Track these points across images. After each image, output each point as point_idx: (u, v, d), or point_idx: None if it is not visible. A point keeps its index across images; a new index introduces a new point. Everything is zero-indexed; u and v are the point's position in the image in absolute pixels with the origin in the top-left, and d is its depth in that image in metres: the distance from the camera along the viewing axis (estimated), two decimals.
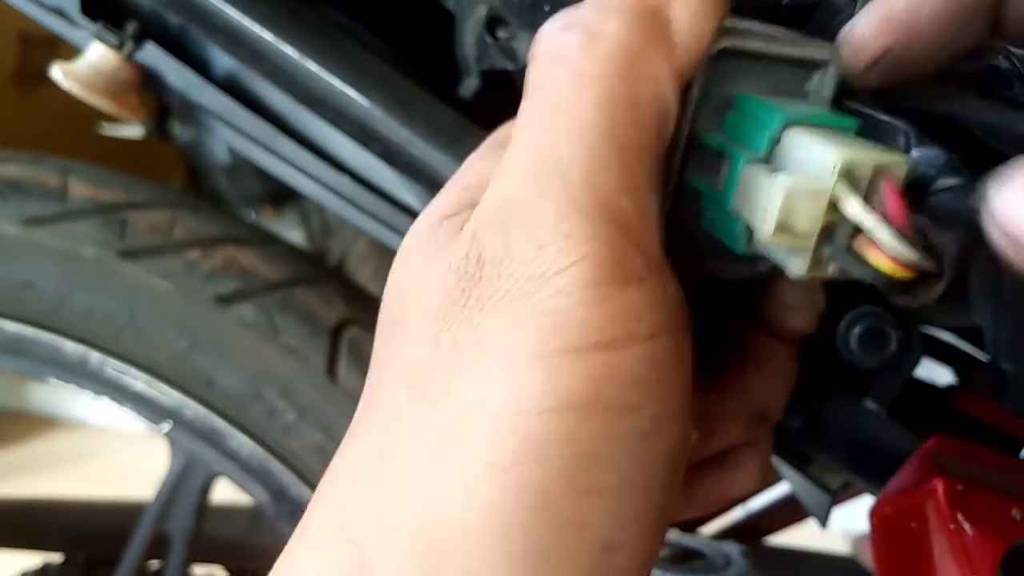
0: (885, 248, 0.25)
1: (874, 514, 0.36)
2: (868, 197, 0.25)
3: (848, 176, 0.25)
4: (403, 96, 0.48)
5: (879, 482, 0.39)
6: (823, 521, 0.50)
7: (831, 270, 0.26)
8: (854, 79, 0.28)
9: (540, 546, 0.23)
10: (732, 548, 0.54)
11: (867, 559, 0.68)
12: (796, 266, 0.26)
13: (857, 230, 0.25)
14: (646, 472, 0.25)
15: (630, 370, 0.24)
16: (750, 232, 0.28)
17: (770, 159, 0.27)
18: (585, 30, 0.26)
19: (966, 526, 0.33)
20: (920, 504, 0.34)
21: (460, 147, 0.47)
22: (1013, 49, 0.30)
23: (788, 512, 0.77)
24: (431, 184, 0.49)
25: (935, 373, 0.50)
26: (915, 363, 0.41)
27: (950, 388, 0.50)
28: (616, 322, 0.24)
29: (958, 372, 0.52)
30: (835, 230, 0.26)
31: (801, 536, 0.81)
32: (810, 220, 0.25)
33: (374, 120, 0.48)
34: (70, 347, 0.60)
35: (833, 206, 0.25)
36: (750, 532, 0.79)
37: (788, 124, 0.27)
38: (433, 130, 0.48)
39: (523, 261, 0.24)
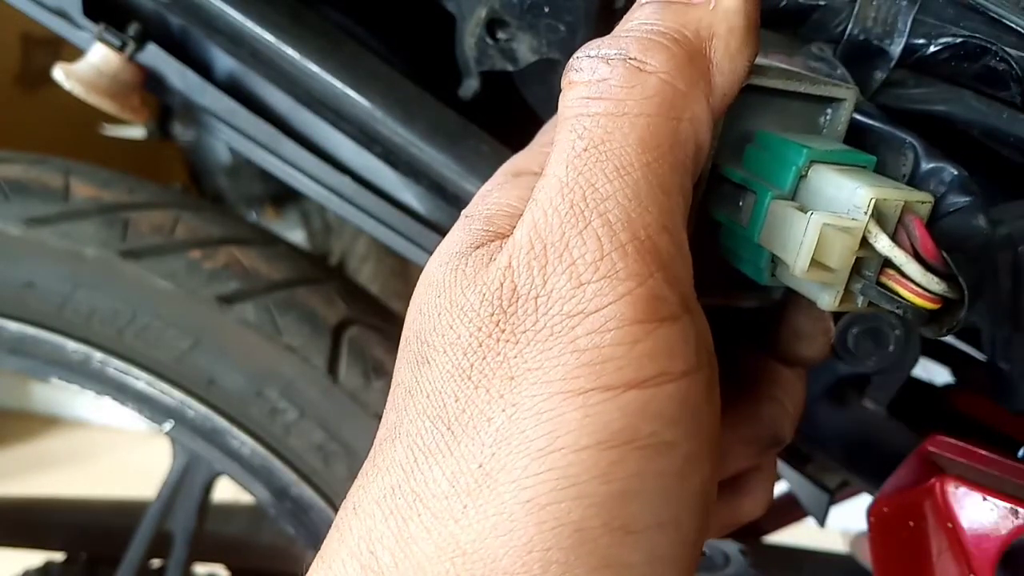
0: (915, 282, 0.25)
1: (872, 513, 0.36)
2: (895, 232, 0.25)
3: (878, 213, 0.25)
4: (404, 97, 0.49)
5: (877, 481, 0.39)
6: (821, 520, 0.50)
7: (860, 303, 0.26)
8: None
9: None
10: (731, 546, 0.54)
11: (865, 557, 0.68)
12: (826, 300, 0.27)
13: (885, 265, 0.26)
14: (680, 510, 0.24)
15: (665, 408, 0.24)
16: (774, 264, 0.28)
17: (795, 195, 0.27)
18: (628, 64, 0.26)
19: (964, 525, 0.33)
20: (918, 503, 0.34)
21: (460, 148, 0.48)
22: (1010, 50, 0.30)
23: (786, 511, 0.77)
24: (432, 185, 0.49)
25: (933, 373, 0.51)
26: (913, 362, 0.41)
27: (948, 387, 0.50)
28: (652, 360, 0.24)
29: (956, 371, 0.52)
30: (864, 264, 0.26)
31: (800, 535, 0.81)
32: (842, 256, 0.25)
33: (375, 121, 0.48)
34: (72, 347, 0.60)
35: (864, 242, 0.25)
36: (749, 531, 0.79)
37: (813, 161, 0.27)
38: (434, 131, 0.48)
39: (560, 297, 0.24)
